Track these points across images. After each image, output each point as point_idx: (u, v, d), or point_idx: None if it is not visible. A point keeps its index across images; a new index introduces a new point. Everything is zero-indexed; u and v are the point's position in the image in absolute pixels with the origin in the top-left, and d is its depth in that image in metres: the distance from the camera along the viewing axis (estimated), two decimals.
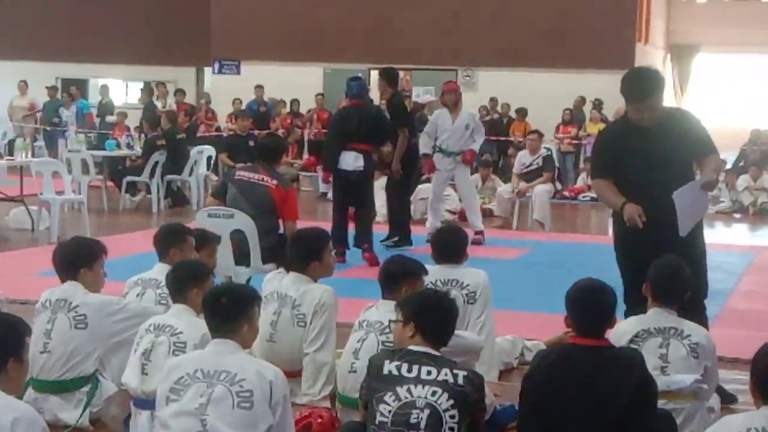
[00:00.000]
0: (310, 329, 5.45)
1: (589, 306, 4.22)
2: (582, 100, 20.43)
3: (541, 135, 14.41)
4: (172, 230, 5.82)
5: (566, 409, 4.07)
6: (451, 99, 11.77)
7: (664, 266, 5.07)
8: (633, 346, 4.84)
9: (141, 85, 23.72)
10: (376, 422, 3.93)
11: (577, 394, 4.06)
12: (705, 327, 5.69)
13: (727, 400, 5.69)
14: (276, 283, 5.67)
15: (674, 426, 4.49)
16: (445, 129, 11.66)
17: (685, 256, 5.45)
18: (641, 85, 5.62)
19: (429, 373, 3.95)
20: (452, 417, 3.88)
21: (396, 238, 11.25)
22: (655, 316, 5.03)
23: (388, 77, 11.33)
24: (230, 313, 4.05)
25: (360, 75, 11.21)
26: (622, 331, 4.95)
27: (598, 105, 19.91)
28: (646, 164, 5.58)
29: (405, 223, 11.43)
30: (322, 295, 5.49)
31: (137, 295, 5.58)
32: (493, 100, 20.46)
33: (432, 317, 4.13)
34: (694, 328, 5.01)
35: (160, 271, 5.42)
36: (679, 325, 4.98)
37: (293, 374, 5.33)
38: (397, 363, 4.00)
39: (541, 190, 13.68)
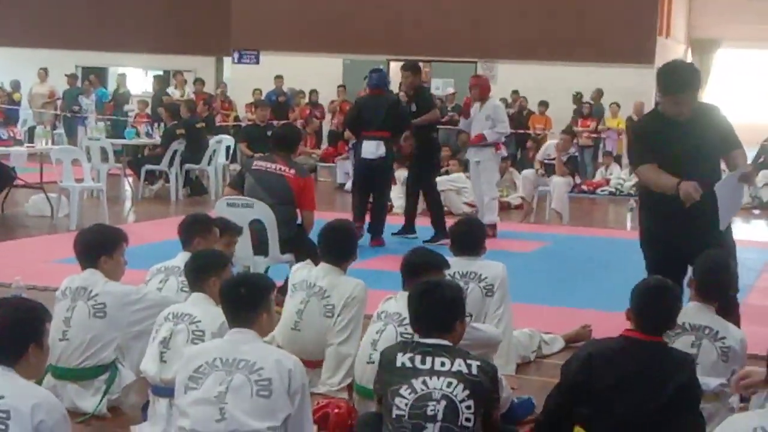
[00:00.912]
0: (338, 321, 5.47)
1: (657, 306, 4.30)
2: (599, 93, 20.35)
3: (574, 135, 14.36)
4: (197, 220, 5.83)
5: (609, 398, 4.12)
6: (475, 94, 11.93)
7: (712, 261, 5.06)
8: (665, 340, 4.83)
9: (160, 74, 23.76)
10: (393, 416, 3.92)
11: (627, 384, 4.11)
12: (739, 323, 5.70)
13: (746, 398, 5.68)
14: (305, 273, 5.68)
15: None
16: (472, 121, 11.88)
17: (713, 244, 5.44)
18: (680, 78, 5.60)
19: (443, 364, 3.95)
20: (468, 408, 3.89)
21: (413, 235, 11.36)
22: (694, 311, 4.99)
23: (413, 68, 11.50)
24: (248, 302, 4.07)
25: (381, 67, 11.36)
26: None
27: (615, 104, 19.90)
28: (676, 158, 5.56)
29: (441, 218, 11.43)
30: (354, 289, 5.51)
31: (160, 282, 5.60)
32: (516, 93, 20.43)
33: (421, 314, 4.12)
34: (729, 329, 4.95)
35: (182, 259, 5.43)
36: (715, 325, 4.94)
37: (315, 364, 5.36)
38: (410, 355, 4.00)
39: (560, 181, 13.66)
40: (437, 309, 4.12)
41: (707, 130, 5.61)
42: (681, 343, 4.85)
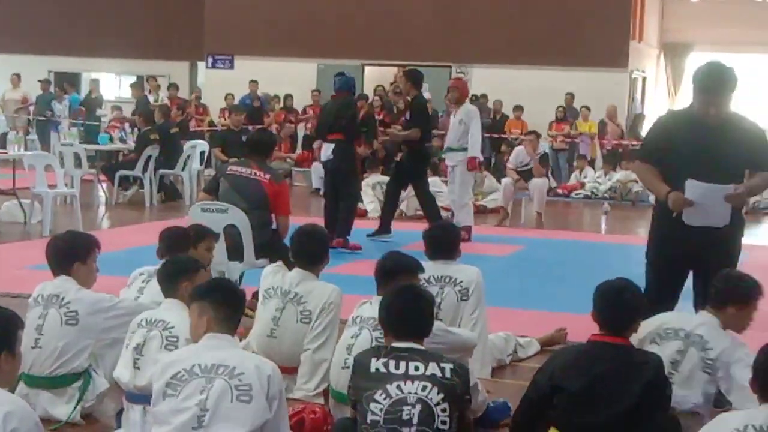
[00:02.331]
0: (314, 326, 5.47)
1: (617, 305, 4.33)
2: (571, 98, 20.43)
3: (538, 135, 14.44)
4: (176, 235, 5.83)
5: (577, 402, 4.18)
6: (453, 96, 12.11)
7: (730, 272, 5.07)
8: (653, 344, 4.85)
9: (134, 79, 23.65)
10: (368, 421, 3.93)
11: (590, 389, 4.16)
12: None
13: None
14: (279, 279, 5.66)
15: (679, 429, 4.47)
16: (450, 125, 12.01)
17: (718, 260, 5.44)
18: (713, 79, 5.50)
19: (417, 368, 3.97)
20: (443, 411, 3.91)
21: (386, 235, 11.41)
22: (696, 319, 4.99)
23: (414, 79, 11.59)
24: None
25: (344, 72, 11.49)
26: (647, 323, 4.84)
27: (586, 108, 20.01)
28: (694, 159, 5.47)
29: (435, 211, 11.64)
30: (330, 294, 5.52)
31: (142, 282, 5.58)
32: (483, 97, 20.41)
33: (395, 318, 4.14)
34: (721, 340, 4.84)
35: None
36: (707, 334, 4.86)
37: (291, 370, 5.34)
38: (384, 360, 4.01)
39: (539, 183, 13.73)
40: (414, 314, 4.15)
41: (735, 140, 5.48)
42: (667, 347, 4.85)
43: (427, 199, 11.75)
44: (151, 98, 20.10)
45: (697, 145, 5.48)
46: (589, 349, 4.35)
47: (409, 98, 11.88)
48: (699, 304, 5.63)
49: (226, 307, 4.06)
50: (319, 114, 12.39)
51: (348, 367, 4.78)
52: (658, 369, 4.27)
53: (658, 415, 4.23)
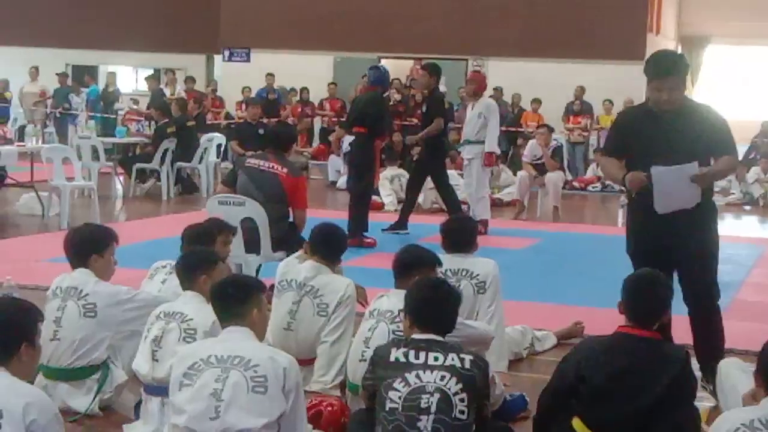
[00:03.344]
0: (331, 319, 5.49)
1: (647, 297, 4.30)
2: (582, 90, 20.33)
3: (551, 129, 14.40)
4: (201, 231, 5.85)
5: (602, 395, 4.16)
6: (469, 89, 12.16)
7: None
8: None
9: (151, 72, 23.70)
10: (387, 409, 3.95)
11: (615, 382, 4.14)
12: (716, 322, 5.69)
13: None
14: (293, 271, 5.67)
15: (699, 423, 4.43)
16: (466, 119, 11.98)
17: (695, 251, 5.44)
18: (662, 63, 5.55)
19: (436, 359, 3.99)
20: (462, 401, 3.93)
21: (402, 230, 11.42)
22: None
23: (434, 72, 11.58)
24: (237, 299, 4.08)
25: (379, 66, 11.54)
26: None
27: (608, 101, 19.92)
28: (654, 149, 5.51)
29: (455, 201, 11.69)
30: (347, 288, 5.54)
31: (166, 274, 5.60)
32: (497, 90, 20.35)
33: (424, 308, 4.17)
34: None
35: None
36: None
37: (307, 362, 5.36)
38: (404, 350, 4.04)
39: (554, 177, 13.71)
40: (442, 308, 4.20)
41: (694, 128, 5.51)
42: None
43: (447, 191, 11.74)
44: (167, 91, 20.14)
45: (656, 134, 5.52)
46: (616, 341, 4.31)
47: (426, 92, 11.85)
48: (688, 300, 5.63)
49: (237, 303, 4.07)
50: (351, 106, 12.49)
51: (365, 360, 4.79)
52: (684, 363, 4.23)
53: (682, 410, 4.21)
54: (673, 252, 5.54)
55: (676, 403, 4.17)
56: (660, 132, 5.52)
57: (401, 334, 4.66)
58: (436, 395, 3.90)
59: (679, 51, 25.00)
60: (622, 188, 6.04)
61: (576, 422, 4.24)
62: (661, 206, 5.48)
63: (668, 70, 5.48)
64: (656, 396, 4.13)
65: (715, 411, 5.32)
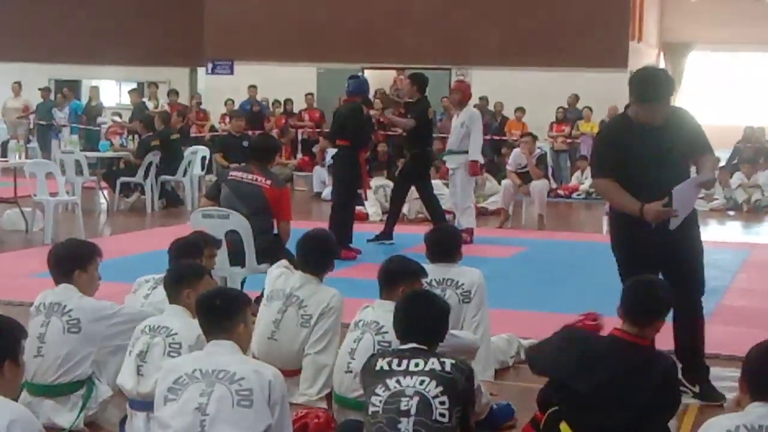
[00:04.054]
0: (315, 330, 5.45)
1: (645, 300, 4.39)
2: (575, 98, 20.44)
3: (534, 137, 14.42)
4: (187, 242, 5.83)
5: (588, 403, 4.24)
6: (454, 98, 12.23)
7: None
8: None
9: (134, 85, 23.68)
10: (370, 413, 4.02)
11: (602, 390, 4.22)
12: (699, 327, 5.73)
13: (714, 398, 5.75)
14: (281, 281, 5.66)
15: None
16: (452, 127, 12.05)
17: (683, 254, 5.48)
18: (648, 89, 5.50)
19: (417, 365, 4.05)
20: (442, 403, 3.96)
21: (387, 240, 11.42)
22: None
23: (420, 82, 11.59)
24: (224, 313, 4.07)
25: (358, 74, 11.46)
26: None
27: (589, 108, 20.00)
28: (644, 163, 5.54)
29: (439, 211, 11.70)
30: (331, 299, 5.50)
31: (149, 290, 5.58)
32: (483, 99, 20.39)
33: (412, 324, 4.20)
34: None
35: None
36: None
37: (291, 373, 5.33)
38: (389, 359, 4.10)
39: (539, 185, 13.72)
40: (426, 321, 4.23)
41: (677, 134, 5.57)
42: None
43: (431, 201, 11.74)
44: (150, 105, 20.11)
45: (643, 148, 5.54)
46: (606, 346, 4.38)
47: (410, 100, 11.85)
48: (677, 306, 5.63)
49: (224, 317, 4.06)
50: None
51: (351, 372, 4.82)
52: (667, 372, 4.29)
53: (665, 417, 4.26)
54: (660, 259, 5.55)
55: (660, 411, 4.20)
56: (648, 145, 5.54)
57: (387, 345, 4.68)
58: (416, 398, 3.95)
59: (662, 58, 25.17)
60: None
61: (563, 427, 4.28)
62: (674, 222, 5.54)
63: (655, 98, 5.49)
64: (642, 404, 4.16)
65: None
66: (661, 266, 5.56)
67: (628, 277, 5.64)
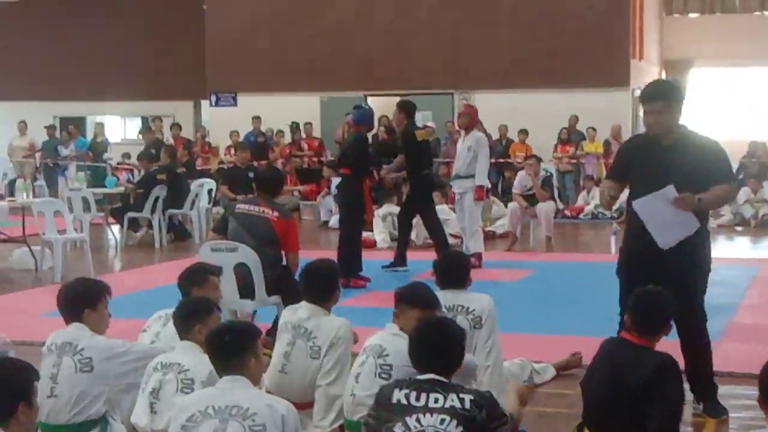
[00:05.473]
0: (324, 362, 5.44)
1: (649, 307, 4.72)
2: (576, 119, 20.47)
3: (539, 159, 14.45)
4: (192, 271, 5.82)
5: (597, 395, 4.68)
6: (463, 122, 12.25)
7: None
8: None
9: (138, 120, 23.79)
10: None
11: (607, 382, 4.63)
12: (701, 349, 5.74)
13: (715, 413, 5.74)
14: (290, 313, 5.67)
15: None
16: (457, 152, 12.09)
17: (678, 277, 5.47)
18: (648, 89, 5.81)
19: (436, 400, 3.98)
20: None
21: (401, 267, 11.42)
22: None
23: (406, 109, 11.60)
24: (235, 349, 4.06)
25: (362, 105, 11.55)
26: None
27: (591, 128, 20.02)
28: (649, 178, 5.61)
29: (442, 240, 11.64)
30: (338, 329, 5.48)
31: (161, 326, 5.58)
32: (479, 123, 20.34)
33: (427, 351, 4.17)
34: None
35: None
36: None
37: (304, 406, 5.32)
38: (406, 391, 4.04)
39: (545, 207, 13.74)
40: (443, 348, 4.20)
41: (693, 157, 5.59)
42: None
43: (434, 228, 11.73)
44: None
45: (652, 165, 5.66)
46: (607, 349, 4.79)
47: (399, 128, 11.84)
48: (679, 324, 5.62)
49: (234, 354, 4.06)
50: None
51: (353, 395, 4.83)
52: (659, 367, 4.54)
53: (661, 412, 4.48)
54: (651, 271, 5.51)
55: (652, 403, 4.47)
56: (657, 160, 5.62)
57: (388, 368, 4.74)
58: None
59: (663, 75, 25.20)
60: (613, 215, 6.18)
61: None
62: (661, 239, 5.54)
63: (653, 95, 5.67)
64: (634, 397, 4.49)
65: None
66: (662, 281, 5.54)
67: (622, 286, 5.78)
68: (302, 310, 5.62)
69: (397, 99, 21.75)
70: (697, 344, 5.79)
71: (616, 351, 4.71)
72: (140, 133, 21.67)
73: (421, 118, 21.52)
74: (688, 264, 5.66)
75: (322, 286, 5.65)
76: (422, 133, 11.69)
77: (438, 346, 4.18)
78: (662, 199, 5.50)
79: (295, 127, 21.45)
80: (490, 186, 13.40)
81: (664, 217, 5.50)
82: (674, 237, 5.53)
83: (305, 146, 21.29)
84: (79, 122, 25.82)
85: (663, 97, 5.65)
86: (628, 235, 5.88)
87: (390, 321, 5.12)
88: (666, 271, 5.51)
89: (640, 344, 4.64)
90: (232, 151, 19.48)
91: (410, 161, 11.51)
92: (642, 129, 19.82)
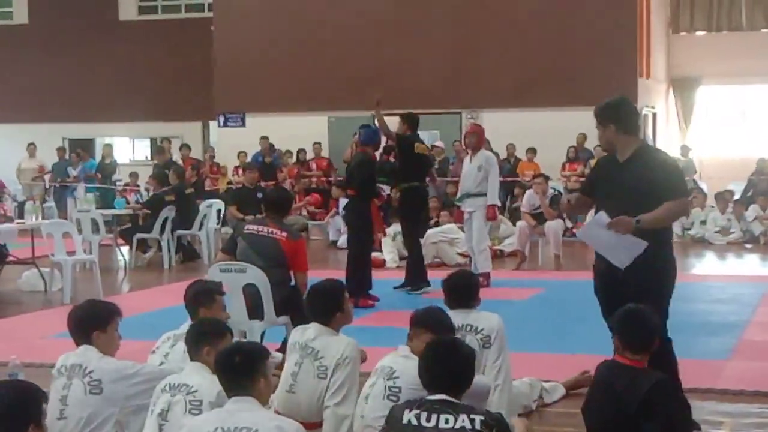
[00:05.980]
0: (331, 382, 5.42)
1: (634, 326, 4.81)
2: (583, 137, 20.46)
3: (547, 178, 14.46)
4: (198, 291, 5.83)
5: (597, 420, 4.79)
6: (471, 141, 12.22)
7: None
8: None
9: (147, 141, 23.87)
10: None
11: (603, 404, 4.75)
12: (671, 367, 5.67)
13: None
14: (299, 334, 5.67)
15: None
16: (464, 171, 12.03)
17: (645, 291, 5.48)
18: (598, 108, 6.00)
19: (447, 421, 3.99)
20: None
21: (409, 287, 11.37)
22: None
23: (409, 121, 11.68)
24: (244, 369, 4.06)
25: (369, 125, 11.58)
26: None
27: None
28: (611, 195, 5.72)
29: (418, 268, 11.51)
30: (345, 348, 5.45)
31: (169, 347, 5.58)
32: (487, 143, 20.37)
33: (436, 372, 4.18)
34: None
35: (188, 327, 5.42)
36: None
37: (312, 426, 5.32)
38: (417, 412, 4.04)
39: (554, 225, 13.73)
40: (453, 369, 4.20)
41: (644, 172, 5.63)
42: None
43: (410, 239, 11.68)
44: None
45: (609, 181, 5.80)
46: (602, 373, 4.90)
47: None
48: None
49: (243, 375, 4.06)
50: None
51: (362, 417, 4.85)
52: (655, 386, 4.62)
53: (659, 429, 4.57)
54: (624, 288, 5.57)
55: (650, 421, 4.55)
56: (614, 177, 5.75)
57: (397, 390, 4.75)
58: None
59: (671, 93, 25.20)
60: None
61: None
62: (615, 260, 5.62)
63: (596, 116, 5.93)
64: (631, 418, 4.57)
65: None
66: (627, 297, 5.52)
67: (600, 306, 5.93)
68: (310, 330, 5.62)
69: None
70: (662, 357, 5.75)
71: (610, 375, 4.80)
72: (153, 155, 21.74)
73: (429, 137, 21.63)
74: (640, 288, 5.57)
75: (325, 306, 5.64)
76: (422, 147, 11.71)
77: (448, 367, 4.18)
78: (598, 225, 5.59)
79: (301, 152, 21.49)
80: (500, 205, 13.40)
81: (607, 242, 5.58)
82: (625, 257, 5.57)
83: (314, 166, 21.34)
84: (88, 144, 25.93)
85: (597, 115, 5.90)
86: (596, 254, 5.93)
87: (400, 341, 5.13)
88: (620, 292, 5.55)
89: (632, 365, 4.75)
90: (240, 171, 19.50)
91: (404, 171, 11.53)
92: None
